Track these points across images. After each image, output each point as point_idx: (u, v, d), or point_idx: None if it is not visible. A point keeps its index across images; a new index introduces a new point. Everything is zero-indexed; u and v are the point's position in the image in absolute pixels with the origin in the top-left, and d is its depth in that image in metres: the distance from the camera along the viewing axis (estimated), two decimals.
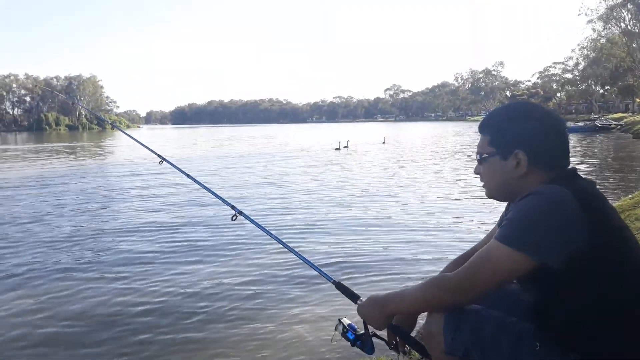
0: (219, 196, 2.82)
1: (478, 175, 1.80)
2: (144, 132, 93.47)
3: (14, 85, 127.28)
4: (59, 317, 5.15)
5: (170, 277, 6.29)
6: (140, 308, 5.26)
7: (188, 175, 2.97)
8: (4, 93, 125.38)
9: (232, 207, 2.70)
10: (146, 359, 4.16)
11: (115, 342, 4.48)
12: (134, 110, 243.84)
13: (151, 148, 3.22)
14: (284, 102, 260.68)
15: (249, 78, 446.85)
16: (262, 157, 27.14)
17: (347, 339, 1.92)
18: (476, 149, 1.78)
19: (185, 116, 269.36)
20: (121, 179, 17.86)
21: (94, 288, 5.99)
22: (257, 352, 4.19)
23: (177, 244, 8.07)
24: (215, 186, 13.71)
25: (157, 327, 4.76)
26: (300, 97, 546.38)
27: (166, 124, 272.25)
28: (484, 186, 1.79)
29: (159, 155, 3.11)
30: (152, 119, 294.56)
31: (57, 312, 5.27)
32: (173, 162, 3.03)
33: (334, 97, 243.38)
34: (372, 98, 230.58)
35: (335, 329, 1.96)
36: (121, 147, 42.56)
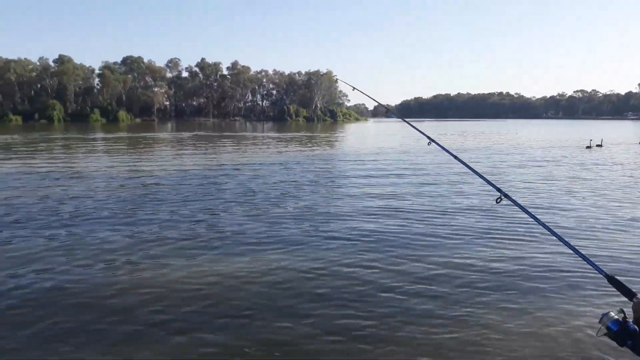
0: (485, 178, 2.87)
1: None
2: (369, 125, 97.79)
3: (264, 80, 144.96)
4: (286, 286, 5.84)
5: (428, 255, 6.60)
6: (382, 287, 5.65)
7: (455, 157, 3.09)
8: (256, 87, 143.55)
9: (498, 189, 2.72)
10: (391, 328, 4.43)
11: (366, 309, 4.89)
12: (362, 104, 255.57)
13: (422, 131, 3.46)
14: (515, 95, 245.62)
15: (476, 71, 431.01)
16: (507, 151, 26.84)
17: (615, 335, 1.76)
18: None
19: (410, 109, 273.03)
20: (369, 162, 19.13)
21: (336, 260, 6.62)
22: (515, 340, 4.14)
23: (437, 226, 8.52)
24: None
25: (391, 306, 5.05)
26: (534, 91, 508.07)
27: (391, 117, 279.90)
28: None
29: (428, 137, 3.32)
30: (378, 112, 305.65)
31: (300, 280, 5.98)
32: (440, 145, 3.20)
33: (574, 91, 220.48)
34: (622, 92, 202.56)
35: (601, 322, 1.81)
36: (357, 135, 45.35)
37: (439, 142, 3.19)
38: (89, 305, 5.17)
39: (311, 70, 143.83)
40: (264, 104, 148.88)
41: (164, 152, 26.58)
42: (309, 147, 30.53)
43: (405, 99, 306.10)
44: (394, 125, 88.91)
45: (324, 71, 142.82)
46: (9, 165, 18.28)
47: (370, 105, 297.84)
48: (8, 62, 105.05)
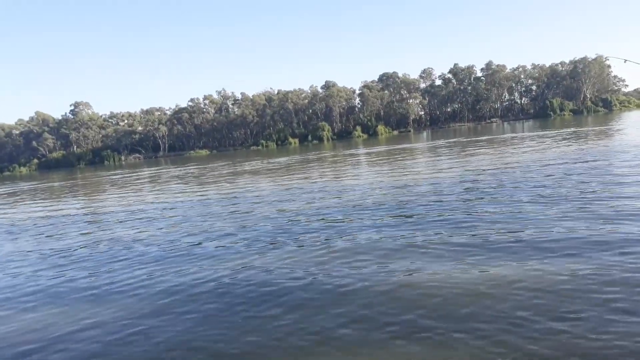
0: None
1: None
2: None
3: (522, 76, 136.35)
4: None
5: None
6: None
7: None
8: (513, 84, 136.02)
9: None
10: None
11: None
12: None
13: None
14: None
15: None
16: None
17: None
18: None
19: None
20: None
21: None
22: None
23: None
24: None
25: None
26: None
27: None
28: None
29: None
30: None
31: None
32: None
33: None
34: None
35: None
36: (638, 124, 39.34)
37: None
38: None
39: (577, 58, 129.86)
40: (522, 102, 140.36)
41: (425, 160, 27.30)
42: (574, 143, 27.55)
43: None
44: None
45: (593, 57, 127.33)
46: (295, 181, 21.25)
47: None
48: (286, 93, 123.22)
